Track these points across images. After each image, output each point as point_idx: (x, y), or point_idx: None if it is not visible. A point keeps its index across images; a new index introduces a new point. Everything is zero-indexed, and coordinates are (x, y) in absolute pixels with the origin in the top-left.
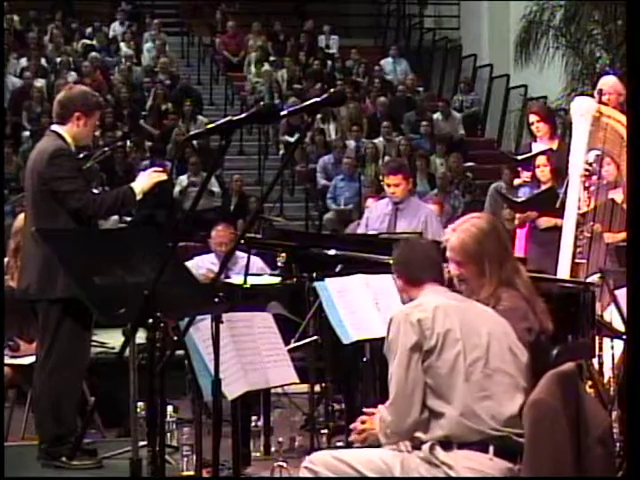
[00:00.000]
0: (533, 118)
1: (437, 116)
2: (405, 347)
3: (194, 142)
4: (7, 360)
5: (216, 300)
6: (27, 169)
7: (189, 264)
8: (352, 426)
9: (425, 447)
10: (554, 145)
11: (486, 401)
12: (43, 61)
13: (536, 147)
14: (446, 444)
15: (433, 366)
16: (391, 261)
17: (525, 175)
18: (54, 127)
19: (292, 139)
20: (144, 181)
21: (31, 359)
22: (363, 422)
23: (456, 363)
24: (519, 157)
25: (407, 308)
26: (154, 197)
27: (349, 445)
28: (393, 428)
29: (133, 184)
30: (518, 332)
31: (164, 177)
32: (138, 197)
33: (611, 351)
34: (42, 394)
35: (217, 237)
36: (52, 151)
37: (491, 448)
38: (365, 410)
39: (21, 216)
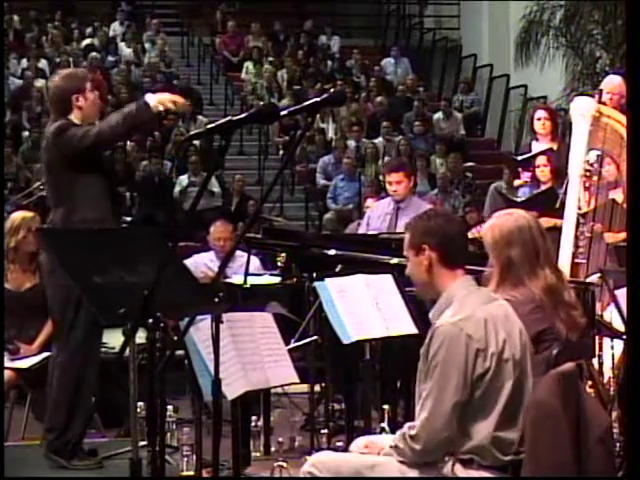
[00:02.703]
0: (542, 114)
1: (438, 116)
2: (458, 368)
3: (195, 142)
4: (7, 363)
5: (216, 300)
6: (41, 166)
7: (187, 262)
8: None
9: (447, 466)
10: (554, 146)
11: (515, 423)
12: (43, 61)
13: (536, 147)
14: (467, 462)
15: (481, 388)
16: (416, 228)
17: (525, 176)
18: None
19: (287, 137)
20: (160, 95)
21: (31, 361)
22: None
23: (504, 388)
24: (518, 158)
25: (458, 322)
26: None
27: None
28: (423, 445)
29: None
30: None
31: (183, 100)
32: (155, 108)
33: (611, 351)
34: (58, 388)
35: (215, 232)
36: (54, 129)
37: (509, 468)
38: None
39: (12, 216)
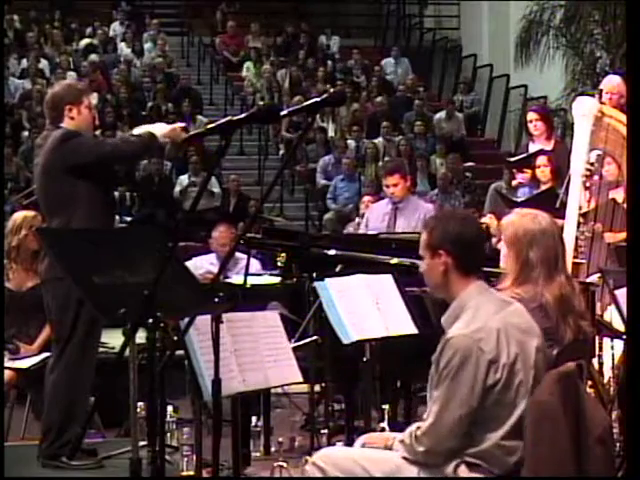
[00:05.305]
0: (532, 116)
1: (439, 116)
2: (468, 381)
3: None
4: (7, 363)
5: (216, 300)
6: (36, 169)
7: (188, 264)
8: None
9: (451, 466)
10: (550, 146)
11: (519, 431)
12: (43, 61)
13: (532, 148)
14: (473, 465)
15: (492, 398)
16: (435, 231)
17: (520, 177)
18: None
19: (293, 136)
20: (162, 126)
21: (31, 361)
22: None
23: (516, 397)
24: (512, 159)
25: (468, 333)
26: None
27: (349, 445)
28: (426, 450)
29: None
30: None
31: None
32: (162, 139)
33: (611, 351)
34: (56, 389)
35: (219, 238)
36: (62, 134)
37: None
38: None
39: (14, 216)
